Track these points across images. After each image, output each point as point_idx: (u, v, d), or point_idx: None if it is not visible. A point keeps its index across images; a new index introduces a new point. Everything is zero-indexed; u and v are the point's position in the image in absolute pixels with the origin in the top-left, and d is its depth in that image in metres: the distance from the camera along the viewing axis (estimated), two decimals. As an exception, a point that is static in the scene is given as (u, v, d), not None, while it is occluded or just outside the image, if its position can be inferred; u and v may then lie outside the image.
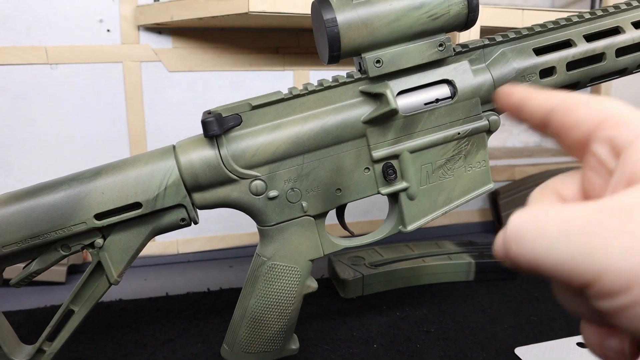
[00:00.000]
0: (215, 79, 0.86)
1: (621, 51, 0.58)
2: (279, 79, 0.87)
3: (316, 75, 0.88)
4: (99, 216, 0.50)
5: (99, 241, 0.52)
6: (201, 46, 0.84)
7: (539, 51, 0.57)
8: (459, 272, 0.82)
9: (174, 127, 0.85)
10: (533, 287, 0.80)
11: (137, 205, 0.51)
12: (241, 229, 0.92)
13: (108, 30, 0.80)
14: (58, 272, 0.83)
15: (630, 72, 0.61)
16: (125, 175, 0.51)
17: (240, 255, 0.94)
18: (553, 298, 0.76)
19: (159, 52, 0.82)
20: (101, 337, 0.68)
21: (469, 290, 0.80)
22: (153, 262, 0.90)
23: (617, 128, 0.25)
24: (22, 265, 0.54)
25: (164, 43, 0.83)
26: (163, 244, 0.90)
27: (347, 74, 0.53)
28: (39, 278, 0.56)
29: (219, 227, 0.91)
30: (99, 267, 0.53)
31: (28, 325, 0.71)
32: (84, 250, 0.84)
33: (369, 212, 0.99)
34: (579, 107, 0.27)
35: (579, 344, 0.65)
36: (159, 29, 0.82)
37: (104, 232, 0.52)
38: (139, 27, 0.81)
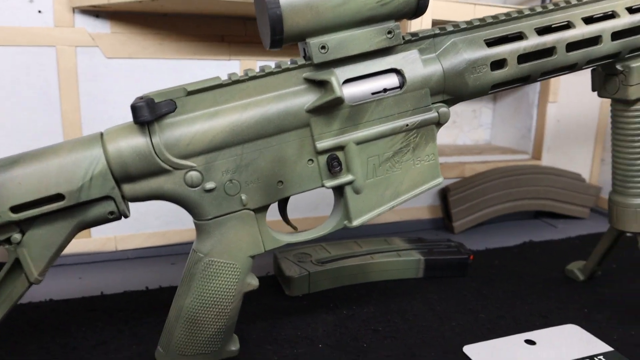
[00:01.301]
0: (156, 67, 0.82)
1: (571, 46, 0.58)
2: (224, 69, 0.84)
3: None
4: (15, 209, 0.46)
5: (17, 236, 0.47)
6: (142, 32, 0.79)
7: (491, 43, 0.56)
8: (407, 269, 0.81)
9: (111, 117, 0.80)
10: (482, 284, 0.80)
11: (59, 197, 0.47)
12: (184, 225, 0.88)
13: (39, 12, 0.75)
14: (-18, 271, 0.77)
15: (580, 68, 0.61)
16: (45, 164, 0.46)
17: (184, 252, 0.89)
18: (501, 295, 0.76)
19: (96, 37, 0.77)
20: (26, 340, 0.63)
21: (418, 288, 0.78)
22: (89, 260, 0.85)
23: None
24: None
25: (102, 27, 0.78)
26: (100, 241, 0.84)
27: (291, 60, 0.51)
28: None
29: (161, 223, 0.87)
30: (17, 265, 0.49)
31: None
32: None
33: (317, 207, 0.96)
34: None
35: (527, 341, 0.64)
36: (96, 12, 0.77)
37: (22, 226, 0.48)
38: (74, 10, 0.76)
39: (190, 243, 0.90)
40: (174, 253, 0.89)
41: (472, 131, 1.26)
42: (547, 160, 1.15)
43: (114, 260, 0.86)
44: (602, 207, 1.18)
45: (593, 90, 0.70)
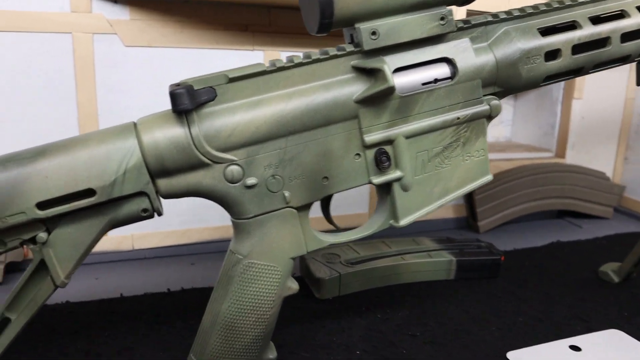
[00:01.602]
0: (176, 56, 0.78)
1: (626, 36, 0.54)
2: (247, 60, 0.80)
3: (289, 56, 0.81)
4: (42, 205, 0.42)
5: (42, 235, 0.43)
6: (162, 19, 0.75)
7: (544, 32, 0.52)
8: (439, 271, 0.78)
9: (129, 108, 0.76)
10: (514, 286, 0.77)
11: (89, 192, 0.43)
12: (204, 223, 0.84)
13: (55, -4, 0.71)
14: (-6, 271, 0.73)
15: (632, 60, 0.58)
16: (75, 155, 0.42)
17: (203, 251, 0.86)
18: (536, 297, 0.73)
19: (115, 24, 0.73)
20: (45, 345, 0.59)
21: (450, 290, 0.75)
22: (105, 259, 0.81)
23: None
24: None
25: (120, 14, 0.74)
26: (116, 239, 0.81)
27: (338, 47, 0.47)
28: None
29: (179, 221, 0.83)
30: (42, 266, 0.45)
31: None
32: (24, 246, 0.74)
33: (338, 206, 0.92)
34: None
35: (572, 347, 0.61)
36: (114, -2, 0.73)
37: (49, 224, 0.44)
38: (91, -5, 0.72)
39: (210, 242, 0.88)
40: (193, 252, 0.85)
41: (493, 128, 1.23)
42: (571, 158, 1.12)
43: (130, 259, 0.83)
44: (625, 207, 1.15)
45: (638, 84, 0.67)
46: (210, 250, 0.86)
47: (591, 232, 1.02)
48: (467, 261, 0.78)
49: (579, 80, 1.06)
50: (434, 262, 0.77)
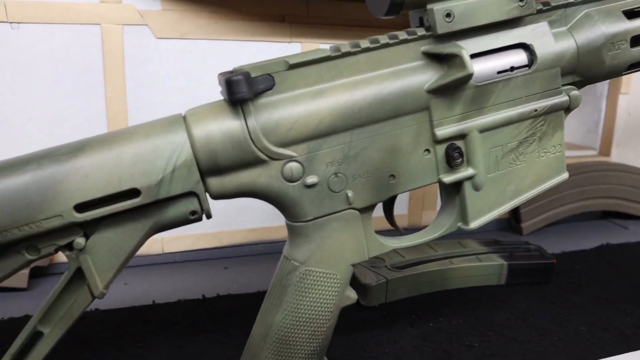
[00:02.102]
0: (210, 49, 0.73)
1: None
2: (284, 52, 0.75)
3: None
4: (80, 207, 0.38)
5: (80, 241, 0.39)
6: (195, 9, 0.71)
7: (629, 14, 0.47)
8: (490, 275, 0.73)
9: (161, 104, 0.72)
10: (569, 291, 0.72)
11: (133, 192, 0.38)
12: (237, 225, 0.80)
13: (83, -15, 0.67)
14: (18, 276, 0.69)
15: None
16: (118, 152, 0.38)
17: (236, 254, 0.81)
18: (595, 303, 0.68)
19: (146, 15, 0.69)
20: (76, 356, 0.55)
21: (501, 296, 0.70)
22: (133, 263, 0.77)
23: None
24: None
25: (152, 4, 0.69)
26: (146, 242, 0.76)
27: (408, 30, 0.42)
28: (-7, 283, 0.42)
29: (212, 223, 0.78)
30: (79, 275, 0.40)
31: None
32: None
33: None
34: None
35: (648, 361, 0.56)
36: (145, -13, 0.69)
37: (87, 228, 0.39)
38: (121, -17, 0.68)
39: (244, 245, 0.83)
40: (225, 256, 0.81)
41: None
42: (616, 156, 1.06)
43: (160, 263, 0.78)
44: (672, 207, 1.09)
45: None
46: (244, 254, 0.81)
47: (639, 234, 0.97)
48: (518, 265, 0.73)
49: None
50: (484, 266, 0.72)
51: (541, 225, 0.96)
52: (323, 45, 0.77)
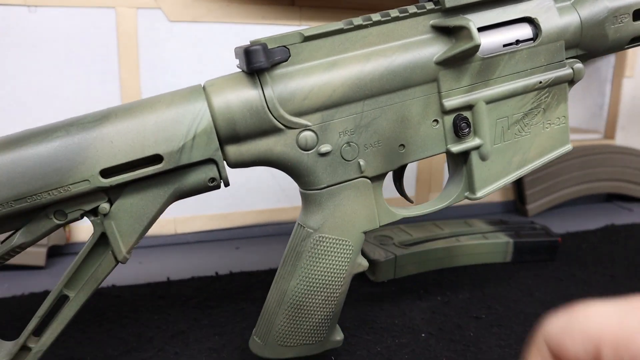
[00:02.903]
0: (222, 32, 0.75)
1: None
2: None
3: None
4: (105, 172, 0.39)
5: (105, 206, 0.41)
6: (207, -7, 0.72)
7: None
8: (496, 253, 0.74)
9: (173, 86, 0.72)
10: (575, 268, 0.73)
11: (156, 158, 0.40)
12: (247, 206, 0.81)
13: (97, -31, 0.68)
14: (36, 255, 0.71)
15: None
16: (141, 119, 0.40)
17: (247, 235, 0.83)
18: (600, 280, 0.69)
19: (158, -2, 0.71)
20: (95, 330, 0.57)
21: (508, 272, 0.71)
22: (147, 244, 0.79)
23: None
24: None
25: (164, -13, 0.71)
26: (159, 223, 0.76)
27: (417, 5, 0.44)
28: (12, 261, 0.44)
29: (223, 204, 0.80)
30: (103, 239, 0.42)
31: (2, 316, 0.59)
32: (68, 229, 0.72)
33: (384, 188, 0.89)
34: None
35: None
36: (158, -29, 0.70)
37: (111, 194, 0.41)
38: (135, -33, 0.69)
39: (254, 226, 0.85)
40: (236, 237, 0.82)
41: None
42: (621, 139, 1.07)
43: (173, 244, 0.80)
44: (676, 190, 1.10)
45: None
46: (254, 235, 0.83)
47: (643, 215, 0.98)
48: (524, 243, 0.74)
49: (630, 57, 1.02)
50: (490, 244, 0.73)
51: (546, 207, 0.97)
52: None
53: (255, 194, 0.81)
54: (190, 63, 0.74)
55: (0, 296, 0.64)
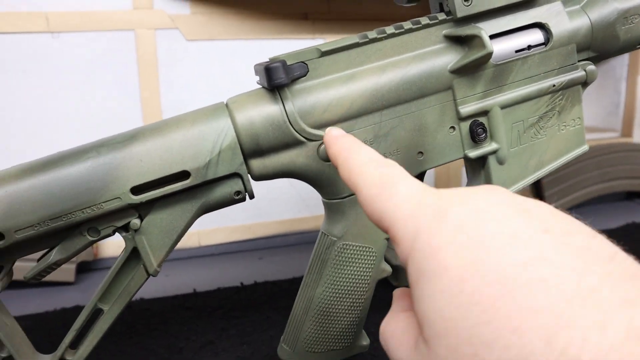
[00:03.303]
0: (237, 49, 0.77)
1: None
2: (308, 48, 0.78)
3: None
4: (136, 190, 0.41)
5: (136, 222, 0.42)
6: (222, 11, 0.74)
7: None
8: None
9: (193, 103, 0.74)
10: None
11: (184, 174, 0.41)
12: (269, 217, 0.83)
13: (117, -6, 0.71)
14: (66, 271, 0.73)
15: None
16: (168, 138, 0.41)
17: (269, 246, 0.84)
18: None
19: (176, 19, 0.73)
20: (126, 342, 0.58)
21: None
22: (172, 257, 0.80)
23: (396, 242, 0.26)
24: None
25: (181, 8, 0.73)
26: (183, 236, 0.80)
27: (429, 16, 0.45)
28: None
29: (246, 216, 0.82)
30: (135, 254, 0.44)
31: (37, 331, 0.61)
32: (95, 245, 0.74)
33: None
34: (373, 201, 0.28)
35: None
36: (174, -8, 0.72)
37: (142, 210, 0.43)
38: (152, -10, 0.72)
39: (276, 236, 0.86)
40: (259, 248, 0.84)
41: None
42: (639, 137, 1.07)
43: (197, 256, 0.82)
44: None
45: None
46: (276, 245, 0.85)
47: (664, 213, 0.98)
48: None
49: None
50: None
51: (565, 208, 0.97)
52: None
53: (276, 204, 0.82)
54: (208, 80, 0.76)
55: (33, 312, 0.66)
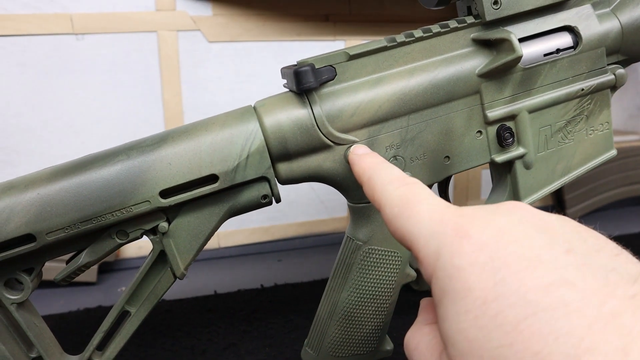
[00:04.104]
0: (258, 50, 0.77)
1: None
2: (329, 50, 0.78)
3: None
4: (164, 193, 0.41)
5: (164, 225, 0.43)
6: (244, 13, 0.75)
7: None
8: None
9: (215, 104, 0.76)
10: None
11: (212, 178, 0.42)
12: (288, 219, 0.83)
13: (140, -5, 0.71)
14: (88, 271, 0.73)
15: None
16: (197, 141, 0.41)
17: (288, 247, 0.85)
18: None
19: (198, 20, 0.73)
20: (150, 343, 0.59)
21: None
22: (192, 258, 0.81)
23: (419, 260, 0.26)
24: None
25: (203, 10, 0.73)
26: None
27: (457, 19, 0.45)
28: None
29: (264, 218, 0.82)
30: (162, 257, 0.44)
31: (60, 332, 0.62)
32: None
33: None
34: (396, 220, 0.29)
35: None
36: (196, -6, 0.73)
37: (170, 213, 0.43)
38: (174, -9, 0.72)
39: (295, 238, 0.86)
40: (277, 249, 0.84)
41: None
42: (660, 140, 1.06)
43: (217, 257, 0.82)
44: None
45: None
46: (295, 247, 0.85)
47: (687, 217, 0.96)
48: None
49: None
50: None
51: (586, 212, 0.96)
52: (366, 42, 0.80)
53: (295, 206, 0.83)
54: (229, 81, 0.76)
55: (57, 312, 0.66)
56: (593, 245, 0.23)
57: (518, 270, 0.22)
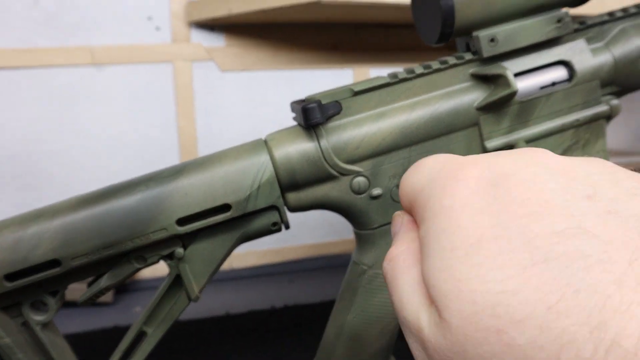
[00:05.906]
0: (270, 79, 0.80)
1: None
2: (338, 77, 0.81)
3: (377, 73, 0.82)
4: (181, 221, 0.44)
5: (180, 251, 0.45)
6: (256, 43, 0.78)
7: None
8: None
9: (227, 131, 0.79)
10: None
11: (225, 207, 0.44)
12: (298, 241, 0.85)
13: (157, 28, 0.75)
14: (106, 292, 0.76)
15: None
16: (211, 172, 0.44)
17: (299, 269, 0.87)
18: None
19: (211, 51, 0.77)
20: (165, 362, 0.61)
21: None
22: (205, 279, 0.83)
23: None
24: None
25: (217, 41, 0.77)
26: (216, 259, 0.83)
27: (456, 55, 0.47)
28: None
29: (274, 239, 0.84)
30: (177, 281, 0.47)
31: (77, 351, 0.64)
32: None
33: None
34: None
35: None
36: (211, 26, 0.76)
37: (185, 240, 0.45)
38: (190, 24, 0.75)
39: (305, 259, 0.88)
40: (289, 271, 0.86)
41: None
42: (666, 161, 1.07)
43: (230, 279, 0.84)
44: None
45: None
46: (306, 268, 0.87)
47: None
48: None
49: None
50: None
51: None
52: (373, 69, 0.83)
53: (305, 229, 0.85)
54: (241, 109, 0.79)
55: (74, 331, 0.69)
56: (629, 189, 0.18)
57: (522, 216, 0.18)
